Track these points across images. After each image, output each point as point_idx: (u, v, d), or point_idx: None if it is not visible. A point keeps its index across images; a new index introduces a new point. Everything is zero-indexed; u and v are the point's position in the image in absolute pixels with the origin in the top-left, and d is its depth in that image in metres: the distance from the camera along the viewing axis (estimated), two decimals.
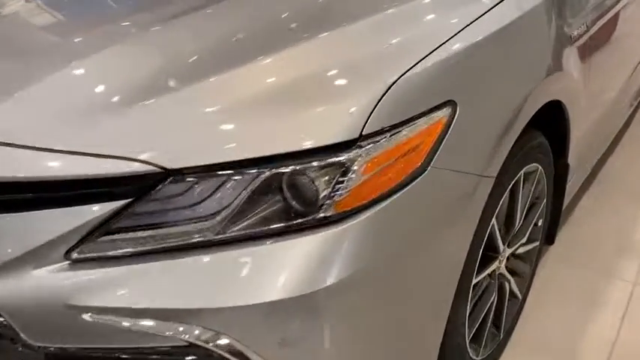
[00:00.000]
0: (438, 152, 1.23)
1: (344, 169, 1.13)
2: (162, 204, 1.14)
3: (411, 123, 1.21)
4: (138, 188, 1.13)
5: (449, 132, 1.25)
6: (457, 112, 1.27)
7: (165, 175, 1.12)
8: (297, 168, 1.12)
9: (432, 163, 1.22)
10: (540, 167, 1.77)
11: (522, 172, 1.64)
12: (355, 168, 1.14)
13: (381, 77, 1.21)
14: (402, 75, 1.22)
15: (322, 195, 1.13)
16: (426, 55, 1.28)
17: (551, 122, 1.84)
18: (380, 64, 1.26)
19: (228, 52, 1.35)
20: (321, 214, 1.13)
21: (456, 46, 1.33)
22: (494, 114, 1.37)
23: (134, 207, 1.14)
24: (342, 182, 1.13)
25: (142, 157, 1.12)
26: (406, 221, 1.21)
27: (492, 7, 1.49)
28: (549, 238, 2.15)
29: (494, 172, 1.39)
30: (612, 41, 2.12)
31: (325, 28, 1.39)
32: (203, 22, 1.51)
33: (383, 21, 1.41)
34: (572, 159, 2.00)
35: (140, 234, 1.14)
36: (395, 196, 1.18)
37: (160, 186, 1.12)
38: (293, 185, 1.14)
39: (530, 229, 1.87)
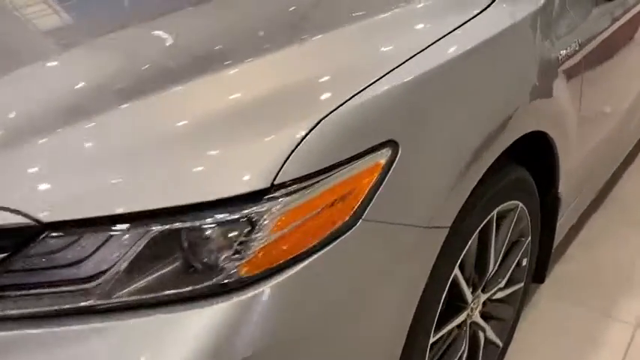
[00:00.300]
0: (373, 202, 1.05)
1: (250, 226, 0.96)
2: (40, 261, 0.98)
3: (340, 168, 1.03)
4: (14, 242, 0.97)
5: (387, 178, 1.07)
6: (399, 154, 1.08)
7: (41, 228, 0.95)
8: (193, 224, 0.95)
9: (364, 215, 1.04)
10: (521, 204, 1.58)
11: (495, 212, 1.45)
12: (264, 224, 0.96)
13: (305, 113, 1.04)
14: (333, 111, 1.05)
15: (224, 256, 0.96)
16: (365, 87, 1.10)
17: (538, 152, 1.64)
18: (308, 97, 1.08)
19: (118, 86, 1.17)
20: (223, 279, 0.96)
21: (405, 75, 1.15)
22: (448, 154, 1.18)
23: (9, 263, 0.97)
24: (246, 242, 0.95)
25: (14, 207, 0.96)
26: (331, 285, 1.03)
27: (455, 29, 1.30)
28: (539, 277, 1.95)
29: (448, 221, 1.20)
30: (613, 60, 1.90)
31: (249, 53, 1.21)
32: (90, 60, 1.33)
33: (319, 46, 1.23)
34: (564, 191, 1.80)
35: (16, 294, 0.98)
36: (316, 256, 1.01)
37: (36, 241, 0.96)
38: (191, 244, 0.97)
39: (510, 271, 1.67)
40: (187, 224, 0.95)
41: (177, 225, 0.95)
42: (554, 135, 1.58)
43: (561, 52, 1.55)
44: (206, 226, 0.95)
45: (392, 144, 1.08)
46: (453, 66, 1.22)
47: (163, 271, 0.97)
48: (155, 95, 1.11)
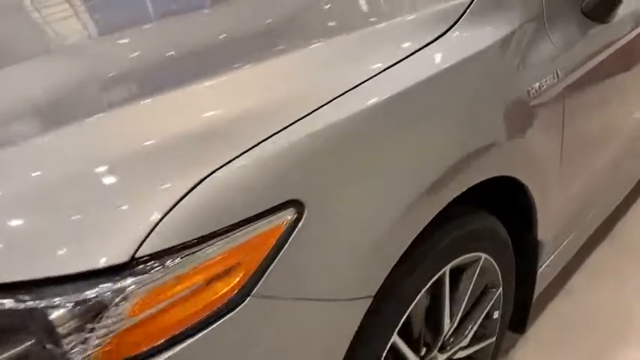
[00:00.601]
0: (266, 276, 0.89)
1: (103, 308, 0.80)
2: None
3: (224, 236, 0.87)
4: None
5: (286, 246, 0.90)
6: (304, 217, 0.92)
7: None
8: (36, 303, 0.80)
9: (253, 291, 0.88)
10: (484, 255, 1.39)
11: (447, 268, 1.27)
12: (121, 306, 0.81)
13: (187, 168, 0.88)
14: (222, 166, 0.89)
15: (72, 343, 0.80)
16: (268, 137, 0.94)
17: (512, 196, 1.46)
18: (196, 149, 0.92)
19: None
20: None
21: (323, 119, 0.99)
22: (371, 214, 1.01)
23: None
24: (97, 328, 0.80)
25: None
26: None
27: (401, 60, 1.13)
28: (518, 327, 1.76)
29: (370, 290, 1.03)
30: (604, 92, 1.70)
31: (140, 92, 1.05)
32: None
33: (228, 84, 1.07)
34: (545, 237, 1.60)
35: None
36: (191, 341, 0.85)
37: None
38: (38, 326, 0.82)
39: (476, 326, 1.49)
40: (29, 303, 0.80)
41: (18, 304, 0.80)
42: (527, 180, 1.40)
43: (534, 84, 1.36)
44: (49, 307, 0.80)
45: (296, 205, 0.92)
46: (386, 106, 1.06)
47: (7, 355, 0.82)
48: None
